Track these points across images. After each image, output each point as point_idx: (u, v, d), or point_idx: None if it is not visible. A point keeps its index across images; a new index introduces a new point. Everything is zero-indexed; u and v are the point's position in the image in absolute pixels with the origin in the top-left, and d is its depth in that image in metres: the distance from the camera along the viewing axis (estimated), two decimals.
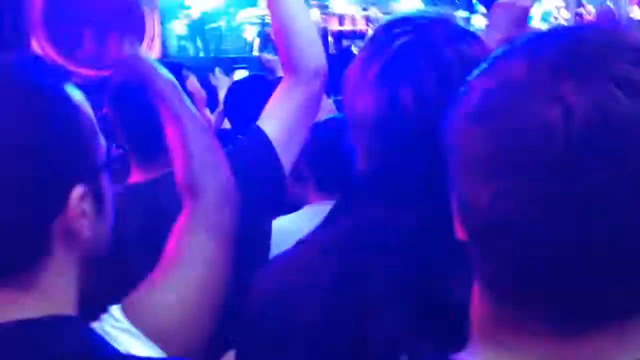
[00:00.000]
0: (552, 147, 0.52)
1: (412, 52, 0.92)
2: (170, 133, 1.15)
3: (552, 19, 10.55)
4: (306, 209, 1.95)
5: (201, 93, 1.74)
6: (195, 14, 9.41)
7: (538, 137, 0.53)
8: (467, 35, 0.97)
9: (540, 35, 0.60)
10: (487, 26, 1.55)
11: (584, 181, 0.52)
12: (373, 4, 10.88)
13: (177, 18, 9.47)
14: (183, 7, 9.49)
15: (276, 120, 1.46)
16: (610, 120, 0.52)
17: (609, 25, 0.60)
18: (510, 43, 0.60)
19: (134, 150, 1.72)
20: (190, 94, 1.68)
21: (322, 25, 10.24)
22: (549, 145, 0.52)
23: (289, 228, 1.60)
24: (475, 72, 0.60)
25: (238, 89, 2.76)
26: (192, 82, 1.76)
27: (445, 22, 0.98)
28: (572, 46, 0.57)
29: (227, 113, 2.76)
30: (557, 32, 0.61)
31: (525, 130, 0.54)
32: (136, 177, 1.70)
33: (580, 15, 10.70)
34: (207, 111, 1.79)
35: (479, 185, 0.57)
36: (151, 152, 1.67)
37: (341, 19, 10.43)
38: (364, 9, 10.75)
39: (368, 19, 10.57)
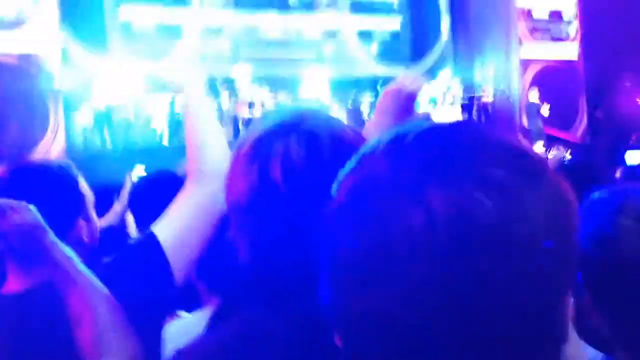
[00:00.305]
0: (415, 253, 0.51)
1: (284, 129, 0.92)
2: (73, 303, 1.12)
3: (438, 104, 11.01)
4: (204, 310, 1.91)
5: (90, 194, 1.69)
6: (101, 105, 9.31)
7: (401, 242, 0.52)
8: (344, 125, 0.98)
9: (406, 132, 0.59)
10: (374, 113, 1.57)
11: (449, 286, 0.51)
12: (282, 89, 11.08)
13: (82, 109, 9.35)
14: (88, 98, 9.39)
15: (172, 222, 1.42)
16: (472, 223, 0.51)
17: (474, 124, 0.63)
18: (378, 139, 0.60)
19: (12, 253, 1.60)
20: (80, 196, 1.64)
21: (232, 112, 10.33)
22: (411, 251, 0.51)
23: (187, 330, 1.55)
24: (345, 168, 0.60)
25: (143, 185, 2.65)
26: (82, 181, 1.71)
27: (323, 112, 0.97)
28: (437, 146, 0.56)
29: (132, 211, 2.63)
30: (424, 130, 0.59)
31: (387, 235, 0.53)
32: (11, 285, 1.57)
33: (478, 98, 11.28)
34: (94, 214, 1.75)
35: (349, 289, 0.55)
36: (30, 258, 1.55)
37: (251, 104, 10.53)
38: (274, 94, 10.90)
39: (279, 104, 10.70)
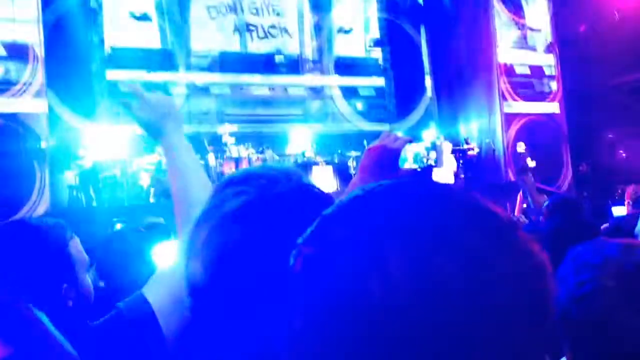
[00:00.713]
0: (374, 324, 0.48)
1: (242, 217, 0.84)
2: None
3: (423, 160, 11.18)
4: None
5: (83, 257, 1.63)
6: (87, 163, 9.33)
7: (358, 313, 0.49)
8: (309, 192, 0.90)
9: (364, 195, 0.56)
10: (358, 171, 1.55)
11: (412, 356, 0.48)
12: (268, 147, 11.18)
13: (68, 168, 9.36)
14: (75, 157, 9.41)
15: (162, 286, 1.39)
16: (435, 289, 0.48)
17: (438, 182, 0.58)
18: (337, 202, 0.57)
19: None
20: (72, 258, 1.58)
21: (219, 169, 10.38)
22: (370, 322, 0.48)
23: None
24: (302, 236, 0.56)
25: (110, 242, 2.59)
26: (75, 244, 1.64)
27: (288, 179, 0.90)
28: (396, 208, 0.53)
29: (98, 269, 2.55)
30: (382, 191, 0.56)
31: (345, 306, 0.50)
32: None
33: (464, 151, 11.42)
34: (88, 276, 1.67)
35: None
36: None
37: (237, 162, 10.59)
38: (260, 152, 10.99)
39: (264, 162, 10.78)
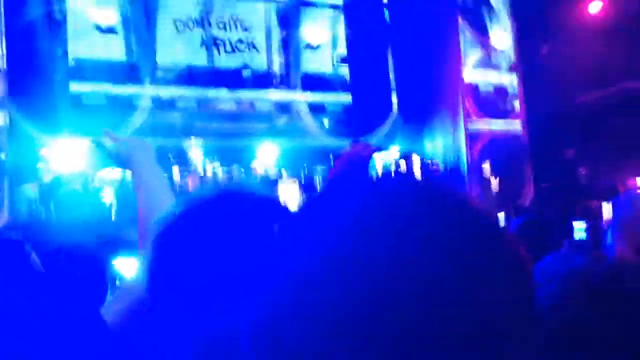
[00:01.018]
0: (356, 322, 0.48)
1: (196, 213, 0.87)
2: None
3: (391, 170, 11.26)
4: None
5: (41, 269, 1.64)
6: (48, 177, 9.15)
7: (339, 311, 0.50)
8: (260, 196, 0.91)
9: (342, 188, 0.54)
10: (330, 176, 1.57)
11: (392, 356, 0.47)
12: (234, 161, 11.12)
13: (29, 182, 9.17)
14: (36, 170, 9.23)
15: (122, 305, 1.38)
16: (417, 287, 0.47)
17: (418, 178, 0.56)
18: (313, 195, 0.56)
19: None
20: (36, 270, 1.57)
21: (183, 184, 10.27)
22: (352, 321, 0.48)
23: None
24: (274, 230, 0.56)
25: (61, 255, 2.56)
26: (34, 257, 1.64)
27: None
28: (379, 201, 0.51)
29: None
30: (363, 184, 0.54)
31: (327, 299, 0.50)
32: None
33: (429, 170, 11.50)
34: None
35: None
36: None
37: (203, 176, 10.50)
38: (226, 166, 10.92)
39: (230, 177, 10.73)
